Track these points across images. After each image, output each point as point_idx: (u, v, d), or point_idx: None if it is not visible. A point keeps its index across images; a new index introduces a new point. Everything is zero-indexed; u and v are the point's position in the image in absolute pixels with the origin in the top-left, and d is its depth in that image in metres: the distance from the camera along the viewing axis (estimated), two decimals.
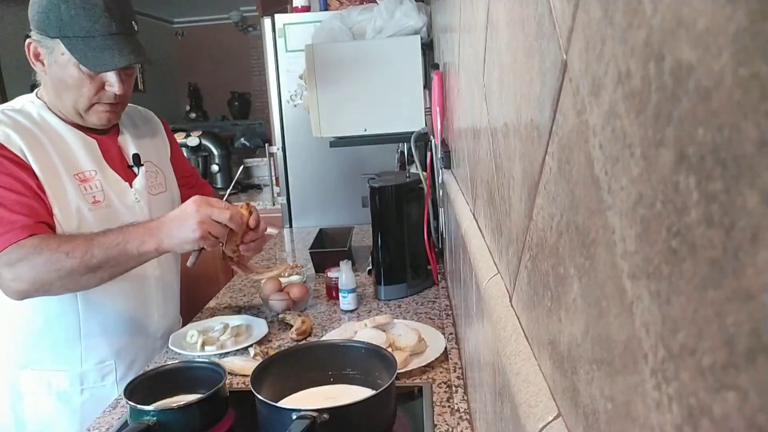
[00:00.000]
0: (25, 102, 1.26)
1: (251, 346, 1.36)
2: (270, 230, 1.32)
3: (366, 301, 1.64)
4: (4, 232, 1.12)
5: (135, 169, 1.35)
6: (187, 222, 1.13)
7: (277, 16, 2.43)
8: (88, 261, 1.12)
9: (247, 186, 3.53)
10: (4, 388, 1.30)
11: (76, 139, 1.26)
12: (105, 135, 1.31)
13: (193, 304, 1.73)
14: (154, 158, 1.41)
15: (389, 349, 1.15)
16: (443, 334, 1.34)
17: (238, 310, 1.65)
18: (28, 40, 1.20)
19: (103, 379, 1.32)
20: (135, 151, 1.36)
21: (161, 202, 1.39)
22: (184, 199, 1.47)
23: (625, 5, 0.23)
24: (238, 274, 1.82)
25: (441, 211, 1.72)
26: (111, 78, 1.21)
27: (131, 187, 1.32)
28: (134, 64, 1.22)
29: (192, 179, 1.57)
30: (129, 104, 1.37)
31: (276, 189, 2.66)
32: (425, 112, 1.74)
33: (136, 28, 1.23)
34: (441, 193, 1.61)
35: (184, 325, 1.53)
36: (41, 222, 1.15)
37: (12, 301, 1.16)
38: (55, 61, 1.19)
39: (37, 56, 1.21)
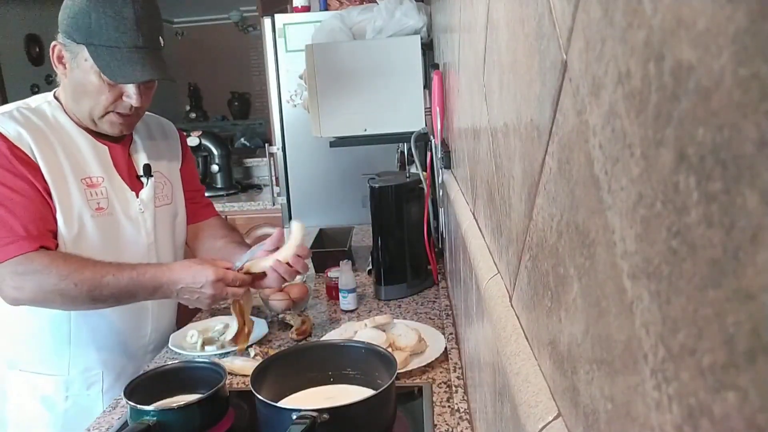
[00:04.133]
0: (42, 102, 1.26)
1: (251, 346, 1.36)
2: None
3: (366, 301, 1.64)
4: (12, 241, 1.12)
5: (144, 179, 1.35)
6: (200, 298, 1.19)
7: (277, 16, 2.42)
8: (94, 296, 1.14)
9: (247, 186, 3.53)
10: None
11: (87, 144, 1.26)
12: (117, 143, 1.31)
13: None
14: (164, 169, 1.40)
15: (389, 349, 1.15)
16: (443, 334, 1.34)
17: None
18: (53, 43, 1.21)
19: (89, 388, 1.30)
20: (146, 162, 1.36)
21: (164, 214, 1.38)
22: (188, 214, 1.47)
23: (625, 5, 0.23)
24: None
25: (441, 211, 1.71)
26: (130, 90, 1.21)
27: (137, 197, 1.32)
28: (155, 80, 1.23)
29: (197, 196, 1.54)
30: (148, 113, 1.37)
31: (276, 189, 2.66)
32: (425, 112, 1.73)
33: (162, 44, 1.23)
34: (441, 193, 1.61)
35: (184, 325, 1.53)
36: (48, 230, 1.16)
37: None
38: (77, 65, 1.19)
39: (60, 59, 1.21)
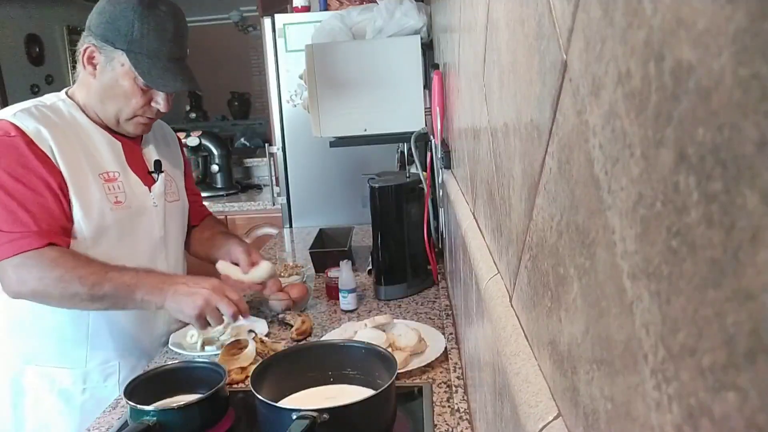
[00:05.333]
0: (56, 100, 1.29)
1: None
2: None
3: (366, 301, 1.64)
4: (23, 236, 1.14)
5: (155, 175, 1.40)
6: (194, 299, 1.17)
7: (277, 16, 2.42)
8: (95, 292, 1.16)
9: (247, 186, 3.53)
10: (6, 383, 1.31)
11: (102, 139, 1.30)
12: (129, 139, 1.36)
13: None
14: (170, 168, 1.46)
15: (389, 349, 1.15)
16: (443, 334, 1.34)
17: None
18: (85, 45, 1.24)
19: (106, 379, 1.33)
20: (157, 158, 1.41)
21: (174, 209, 1.44)
22: (191, 215, 1.54)
23: (625, 5, 0.23)
24: None
25: (441, 211, 1.71)
26: (160, 97, 1.27)
27: (150, 191, 1.37)
28: (190, 90, 1.30)
29: (198, 198, 1.62)
30: None
31: (276, 189, 2.66)
32: (425, 112, 1.73)
33: (188, 53, 1.31)
34: (441, 193, 1.61)
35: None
36: (59, 226, 1.18)
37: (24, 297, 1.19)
38: (111, 69, 1.24)
39: (90, 60, 1.25)
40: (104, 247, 1.26)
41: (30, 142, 1.17)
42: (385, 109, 1.75)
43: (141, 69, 1.22)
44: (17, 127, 1.17)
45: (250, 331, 1.30)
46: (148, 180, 1.38)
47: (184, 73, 1.27)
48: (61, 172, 1.20)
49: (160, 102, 1.28)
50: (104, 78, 1.25)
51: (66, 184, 1.20)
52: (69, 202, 1.21)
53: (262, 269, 1.40)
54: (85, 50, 1.24)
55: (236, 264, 1.42)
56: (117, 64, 1.23)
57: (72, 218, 1.21)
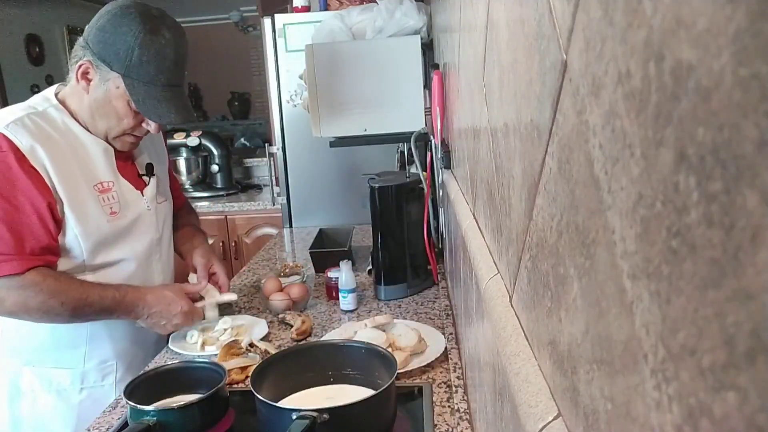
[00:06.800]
0: (48, 106, 1.25)
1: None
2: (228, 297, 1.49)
3: (366, 301, 1.64)
4: (6, 259, 1.14)
5: (146, 178, 1.39)
6: (166, 324, 1.33)
7: (277, 16, 2.42)
8: (76, 313, 1.21)
9: (247, 186, 3.53)
10: (3, 384, 1.31)
11: (96, 147, 1.28)
12: None
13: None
14: (158, 168, 1.45)
15: (389, 349, 1.15)
16: (443, 334, 1.34)
17: (238, 310, 1.65)
18: (81, 61, 1.22)
19: (103, 379, 1.34)
20: (148, 161, 1.41)
21: (164, 209, 1.45)
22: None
23: (625, 5, 0.23)
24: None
25: (441, 211, 1.71)
26: (153, 122, 1.27)
27: (143, 195, 1.36)
28: (184, 122, 1.30)
29: (175, 186, 1.63)
30: None
31: (276, 189, 2.66)
32: (425, 112, 1.73)
33: (185, 78, 1.29)
34: (441, 193, 1.61)
35: None
36: (41, 247, 1.18)
37: None
38: (106, 89, 1.22)
39: (85, 75, 1.22)
40: (102, 258, 1.27)
41: (22, 159, 1.14)
42: (385, 109, 1.75)
43: (136, 96, 1.20)
44: (10, 142, 1.14)
45: (250, 345, 1.31)
46: (139, 183, 1.37)
47: (179, 102, 1.25)
48: (52, 191, 1.18)
49: (151, 124, 1.27)
50: (97, 95, 1.23)
51: (60, 201, 1.19)
52: (58, 221, 1.20)
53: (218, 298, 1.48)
54: (80, 66, 1.22)
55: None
56: (111, 85, 1.21)
57: (57, 238, 1.21)
